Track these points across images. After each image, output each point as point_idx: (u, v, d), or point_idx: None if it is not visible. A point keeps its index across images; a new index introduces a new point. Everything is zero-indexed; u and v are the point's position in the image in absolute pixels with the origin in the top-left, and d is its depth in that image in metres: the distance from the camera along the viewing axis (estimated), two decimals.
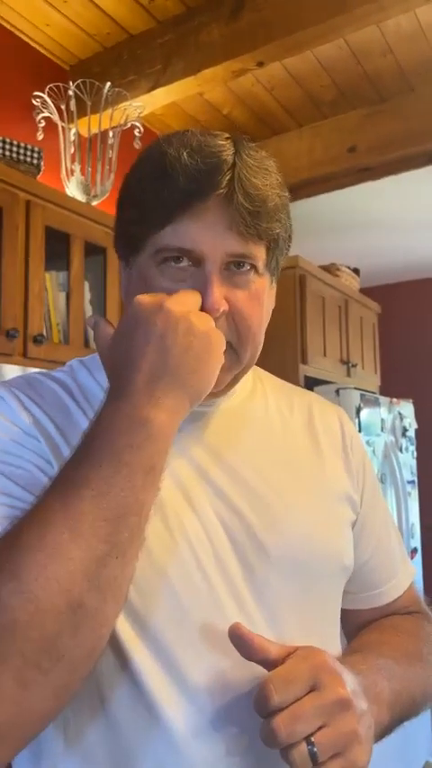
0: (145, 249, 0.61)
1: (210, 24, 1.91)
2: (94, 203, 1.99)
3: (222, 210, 0.58)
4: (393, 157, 2.42)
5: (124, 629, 0.55)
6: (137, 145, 2.05)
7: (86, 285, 1.83)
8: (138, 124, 2.04)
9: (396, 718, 0.61)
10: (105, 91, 1.97)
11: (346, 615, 0.72)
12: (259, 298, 0.63)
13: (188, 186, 0.57)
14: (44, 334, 1.62)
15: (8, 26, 2.02)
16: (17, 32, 2.05)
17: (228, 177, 0.58)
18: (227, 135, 0.61)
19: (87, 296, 1.84)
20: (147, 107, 2.09)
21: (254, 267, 0.62)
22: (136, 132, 2.04)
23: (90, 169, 2.00)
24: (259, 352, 0.66)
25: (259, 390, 0.74)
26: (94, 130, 2.02)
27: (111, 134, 2.05)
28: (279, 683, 0.49)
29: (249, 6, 1.85)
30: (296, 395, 0.78)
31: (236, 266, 0.61)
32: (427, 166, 2.42)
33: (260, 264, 0.62)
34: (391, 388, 3.47)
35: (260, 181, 0.59)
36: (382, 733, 0.58)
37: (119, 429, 0.51)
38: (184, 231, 0.58)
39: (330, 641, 0.65)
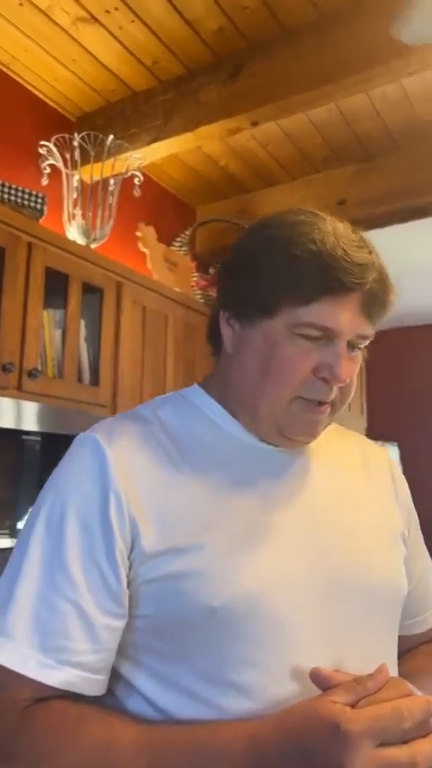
0: (279, 316, 0.68)
1: (208, 86, 2.04)
2: (94, 246, 2.08)
3: (363, 300, 0.68)
4: (380, 211, 2.54)
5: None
6: (136, 193, 2.16)
7: (82, 323, 1.90)
8: (138, 173, 2.16)
9: None
10: (108, 143, 2.09)
11: None
12: (358, 365, 0.73)
13: (345, 278, 0.66)
14: (39, 368, 1.69)
15: (20, 80, 2.15)
16: (27, 86, 2.18)
17: (373, 275, 0.67)
18: (353, 228, 0.70)
19: (83, 333, 1.91)
20: (147, 158, 2.21)
21: (365, 344, 0.72)
22: (136, 181, 2.15)
23: (91, 214, 2.10)
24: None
25: (327, 433, 0.79)
26: (96, 178, 2.13)
27: (112, 182, 2.16)
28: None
29: (246, 71, 1.99)
30: (351, 436, 0.87)
31: (357, 343, 0.71)
32: (411, 220, 2.54)
33: (368, 342, 0.73)
34: (378, 430, 3.54)
35: (388, 279, 0.70)
36: None
37: None
38: (329, 312, 0.67)
39: (394, 663, 0.72)
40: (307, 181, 2.73)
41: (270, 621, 0.62)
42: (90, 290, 1.92)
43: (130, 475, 0.66)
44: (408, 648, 0.80)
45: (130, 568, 0.64)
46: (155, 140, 2.13)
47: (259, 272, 0.70)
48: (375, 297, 0.68)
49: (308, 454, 0.76)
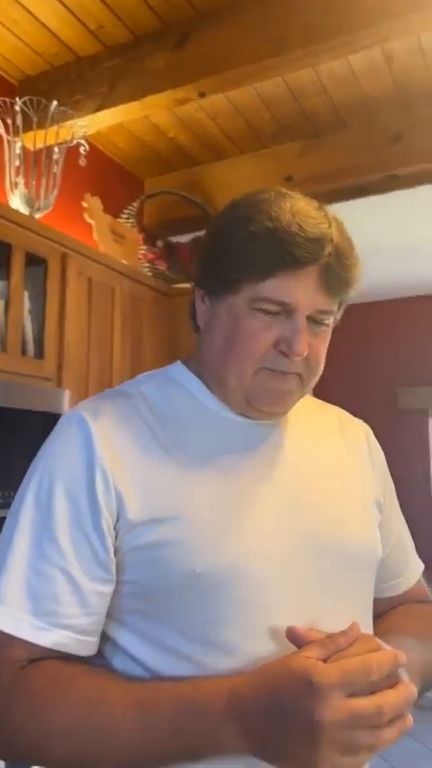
0: (240, 292, 0.71)
1: (155, 53, 2.01)
2: (38, 216, 2.04)
3: (319, 274, 0.69)
4: (326, 189, 2.57)
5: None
6: (82, 162, 2.12)
7: (26, 295, 1.87)
8: (83, 142, 2.11)
9: (423, 686, 0.71)
10: (52, 109, 2.03)
11: None
12: (326, 341, 0.75)
13: (298, 253, 0.67)
14: None
15: None
16: None
17: (329, 249, 0.69)
18: (316, 204, 0.72)
19: (26, 305, 1.88)
20: (92, 126, 2.16)
21: (329, 319, 0.73)
22: (81, 150, 2.10)
23: (34, 182, 2.05)
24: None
25: (304, 406, 0.83)
26: (40, 145, 2.08)
27: (56, 150, 2.11)
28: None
29: (193, 40, 1.96)
30: (328, 409, 0.89)
31: (318, 319, 0.72)
32: (356, 198, 2.58)
33: (332, 317, 0.74)
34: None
35: (349, 252, 0.71)
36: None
37: (202, 730, 0.59)
38: (285, 287, 0.69)
39: (368, 624, 0.76)
40: (255, 155, 2.73)
41: (250, 585, 0.66)
42: (34, 260, 1.89)
43: (114, 449, 0.70)
44: (384, 610, 0.84)
45: (116, 538, 0.68)
46: (100, 108, 2.08)
47: (222, 250, 0.73)
48: (333, 272, 0.69)
49: (284, 426, 0.79)
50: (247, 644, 0.65)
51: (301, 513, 0.72)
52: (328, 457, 0.81)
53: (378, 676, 0.56)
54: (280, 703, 0.56)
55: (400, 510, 0.91)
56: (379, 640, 0.62)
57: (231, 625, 0.65)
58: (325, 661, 0.57)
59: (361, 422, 0.91)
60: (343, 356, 4.11)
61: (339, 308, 0.76)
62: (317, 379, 0.76)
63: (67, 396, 1.88)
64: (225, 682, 0.61)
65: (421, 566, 0.92)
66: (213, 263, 0.74)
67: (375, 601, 0.82)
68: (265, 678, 0.59)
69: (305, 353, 0.70)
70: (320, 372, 0.76)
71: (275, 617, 0.66)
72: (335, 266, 0.69)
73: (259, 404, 0.74)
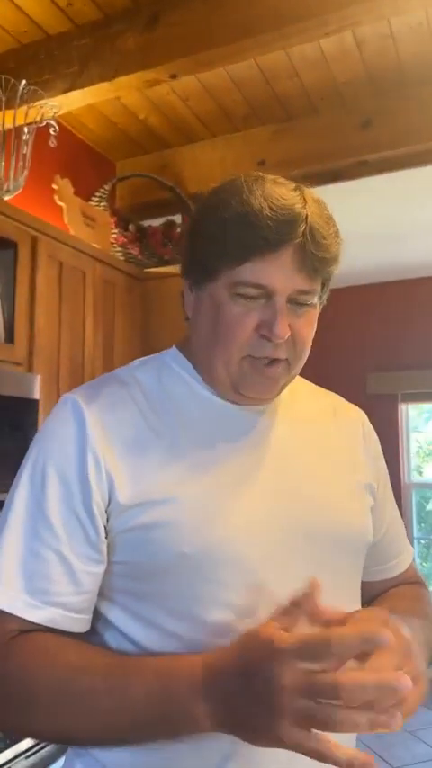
0: (220, 279, 0.72)
1: (125, 33, 1.98)
2: (7, 198, 2.00)
3: (294, 255, 0.69)
4: (299, 173, 2.58)
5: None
6: (52, 143, 2.08)
7: None
8: (53, 123, 2.08)
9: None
10: (21, 88, 1.99)
11: (361, 587, 0.82)
12: (312, 324, 0.75)
13: (270, 235, 0.68)
14: None
15: None
16: None
17: (302, 229, 0.68)
18: (293, 185, 0.72)
19: None
20: (63, 107, 2.13)
21: (312, 300, 0.73)
22: (51, 131, 2.07)
23: (3, 164, 2.01)
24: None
25: (297, 391, 0.85)
26: (9, 126, 2.03)
27: (26, 130, 2.07)
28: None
29: (164, 20, 1.94)
30: (323, 394, 0.90)
31: (300, 300, 0.72)
32: (327, 184, 2.60)
33: (316, 298, 0.74)
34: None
35: (326, 231, 0.71)
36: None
37: (173, 711, 0.61)
38: (261, 270, 0.69)
39: (357, 605, 0.77)
40: (227, 139, 2.72)
41: (238, 566, 0.67)
42: (3, 244, 1.86)
43: (106, 433, 0.71)
44: (377, 593, 0.86)
45: (107, 520, 0.69)
46: (71, 88, 2.05)
47: (199, 239, 0.74)
48: (309, 251, 0.69)
49: (276, 410, 0.80)
50: (236, 623, 0.66)
51: (291, 497, 0.73)
52: (319, 441, 0.81)
53: (338, 652, 0.54)
54: (246, 668, 0.58)
55: (393, 496, 0.92)
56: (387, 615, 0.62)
57: (220, 605, 0.67)
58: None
59: (356, 408, 0.91)
60: (314, 341, 4.15)
61: (324, 289, 0.76)
62: (303, 362, 0.77)
63: (38, 381, 1.87)
64: (203, 654, 0.62)
65: (412, 551, 0.94)
66: (193, 252, 0.75)
67: (370, 584, 0.84)
68: (236, 648, 0.60)
69: (287, 336, 0.71)
70: (307, 355, 0.76)
71: (264, 598, 0.67)
72: (311, 246, 0.69)
73: (246, 391, 0.74)
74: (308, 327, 0.74)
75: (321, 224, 0.70)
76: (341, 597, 0.72)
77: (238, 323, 0.71)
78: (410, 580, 0.91)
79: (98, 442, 0.70)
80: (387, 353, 4.37)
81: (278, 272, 0.69)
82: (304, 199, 0.71)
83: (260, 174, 0.73)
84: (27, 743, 1.43)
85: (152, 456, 0.71)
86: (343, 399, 0.92)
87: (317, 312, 0.77)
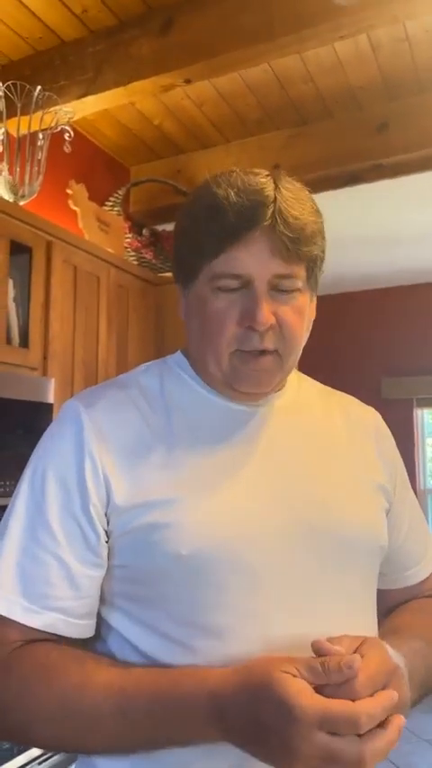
0: (200, 275, 0.72)
1: (140, 39, 1.99)
2: (22, 203, 2.01)
3: (267, 239, 0.68)
4: (314, 177, 2.57)
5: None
6: (67, 149, 2.10)
7: (11, 283, 1.85)
8: (68, 128, 2.09)
9: (423, 694, 0.69)
10: (36, 94, 2.00)
11: (378, 595, 0.78)
12: (301, 311, 0.73)
13: (237, 221, 0.67)
14: None
15: None
16: None
17: (270, 210, 0.67)
18: (267, 172, 0.71)
19: (11, 293, 1.86)
20: (77, 113, 2.14)
21: (296, 285, 0.71)
22: (66, 136, 2.08)
23: (18, 169, 2.02)
24: (299, 357, 0.76)
25: (304, 390, 0.84)
26: (24, 131, 2.05)
27: (41, 136, 2.08)
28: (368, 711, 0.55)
29: (178, 25, 1.94)
30: (334, 395, 0.88)
31: (281, 286, 0.70)
32: (343, 187, 2.59)
33: (301, 282, 0.71)
34: None
35: (298, 211, 0.69)
36: (412, 705, 0.65)
37: (185, 722, 0.60)
38: (235, 259, 0.68)
39: (370, 614, 0.74)
40: (242, 143, 2.72)
41: (237, 568, 0.66)
42: (19, 249, 1.87)
43: (104, 436, 0.71)
44: (400, 601, 0.82)
45: (107, 523, 0.69)
46: (85, 94, 2.06)
47: (179, 238, 0.75)
48: (280, 233, 0.67)
49: (278, 409, 0.78)
50: (237, 628, 0.65)
51: (295, 498, 0.72)
52: (327, 440, 0.79)
53: (367, 725, 0.53)
54: (257, 718, 0.56)
55: (415, 501, 0.89)
56: (386, 647, 0.61)
57: (219, 609, 0.65)
58: (317, 688, 0.55)
59: (371, 409, 0.89)
60: (328, 346, 4.13)
61: (312, 273, 0.74)
62: (296, 353, 0.74)
63: (52, 385, 1.87)
64: (208, 680, 0.60)
65: None
66: (177, 254, 0.76)
67: (389, 592, 0.82)
68: (248, 686, 0.58)
69: (270, 322, 0.69)
70: (299, 345, 0.74)
71: (265, 601, 0.66)
72: (281, 227, 0.67)
73: (239, 385, 0.73)
74: (295, 315, 0.71)
75: (293, 204, 0.69)
76: (348, 602, 0.70)
77: (222, 317, 0.70)
78: None
79: (95, 444, 0.70)
80: (402, 358, 4.34)
81: (252, 259, 0.68)
82: (275, 183, 0.69)
83: (234, 168, 0.72)
84: (39, 750, 1.42)
85: (151, 458, 0.71)
86: (356, 400, 0.90)
87: (306, 299, 0.74)
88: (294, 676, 0.56)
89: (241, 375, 0.72)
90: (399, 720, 0.56)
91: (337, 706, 0.54)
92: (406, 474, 0.88)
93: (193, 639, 0.65)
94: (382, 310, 4.42)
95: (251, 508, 0.69)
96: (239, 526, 0.68)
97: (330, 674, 0.55)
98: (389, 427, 0.89)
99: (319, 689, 0.56)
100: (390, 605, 0.81)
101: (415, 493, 0.92)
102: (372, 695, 0.56)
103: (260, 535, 0.68)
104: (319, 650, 0.58)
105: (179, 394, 0.77)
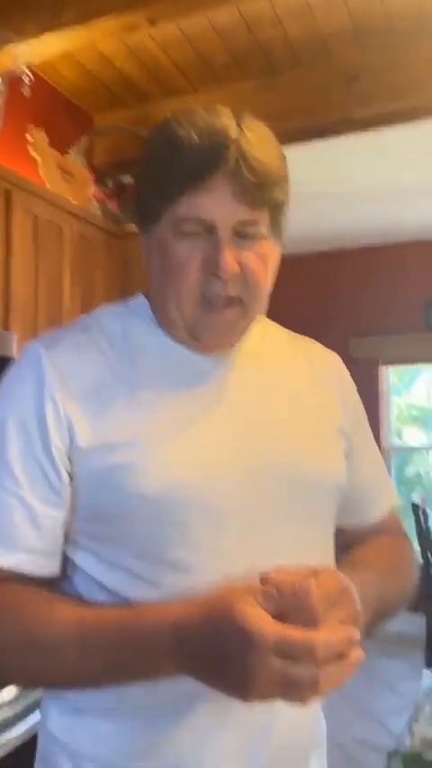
0: (161, 220, 0.69)
1: None
2: None
3: (230, 182, 0.66)
4: (282, 128, 2.50)
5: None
6: (26, 92, 2.00)
7: None
8: (26, 71, 1.99)
9: (376, 620, 0.71)
10: None
11: (336, 534, 0.81)
12: (265, 258, 0.71)
13: (198, 163, 0.65)
14: None
15: None
16: None
17: (233, 153, 0.65)
18: (230, 113, 0.68)
19: None
20: (36, 55, 2.04)
21: (260, 231, 0.69)
22: (25, 79, 1.99)
23: None
24: (264, 306, 0.75)
25: (268, 336, 0.83)
26: None
27: None
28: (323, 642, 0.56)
29: None
30: (298, 339, 0.88)
31: (245, 232, 0.68)
32: (311, 140, 2.54)
33: (265, 228, 0.70)
34: None
35: (262, 154, 0.66)
36: (365, 632, 0.67)
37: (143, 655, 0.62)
38: (197, 203, 0.66)
39: (328, 552, 0.76)
40: (209, 92, 2.64)
41: (201, 509, 0.67)
42: None
43: (66, 378, 0.70)
44: (355, 540, 0.84)
45: (70, 464, 0.69)
46: (44, 31, 1.95)
47: (140, 180, 0.73)
48: (243, 177, 0.66)
49: (240, 354, 0.77)
50: (201, 564, 0.66)
51: (258, 440, 0.73)
52: (288, 385, 0.80)
53: (323, 656, 0.54)
54: (218, 648, 0.57)
55: (374, 444, 0.91)
56: (341, 576, 0.63)
57: (183, 547, 0.66)
58: (275, 615, 0.57)
59: (334, 354, 0.90)
60: (298, 306, 4.13)
61: (276, 219, 0.72)
62: (261, 301, 0.73)
63: (14, 339, 1.83)
64: (170, 613, 0.61)
65: (395, 501, 0.92)
66: (138, 197, 0.74)
67: (349, 532, 0.83)
68: (209, 616, 0.59)
69: (234, 270, 0.68)
70: (264, 293, 0.73)
71: (228, 541, 0.67)
72: (245, 170, 0.65)
73: (202, 336, 0.73)
74: (259, 262, 0.70)
75: (257, 147, 0.66)
76: (308, 541, 0.72)
77: (184, 262, 0.69)
78: (391, 530, 0.90)
79: (56, 386, 0.70)
80: (369, 318, 4.37)
81: (215, 203, 0.66)
82: (239, 125, 0.67)
83: (196, 107, 0.69)
84: (11, 692, 1.44)
85: (113, 400, 0.70)
86: (320, 345, 0.90)
87: (270, 246, 0.72)
88: (252, 608, 0.57)
89: (204, 324, 0.71)
90: (357, 653, 0.57)
91: (295, 633, 0.55)
92: (366, 421, 0.90)
93: (158, 575, 0.67)
94: (351, 270, 4.43)
95: (214, 452, 0.70)
96: (203, 468, 0.69)
97: (285, 597, 0.57)
98: (357, 386, 0.89)
99: (279, 617, 0.57)
100: (347, 542, 0.83)
101: (380, 450, 0.95)
102: (329, 617, 0.58)
103: (223, 477, 0.69)
104: (266, 581, 0.60)
105: (142, 339, 0.76)
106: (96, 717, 0.69)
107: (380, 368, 4.38)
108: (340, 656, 0.56)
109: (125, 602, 0.66)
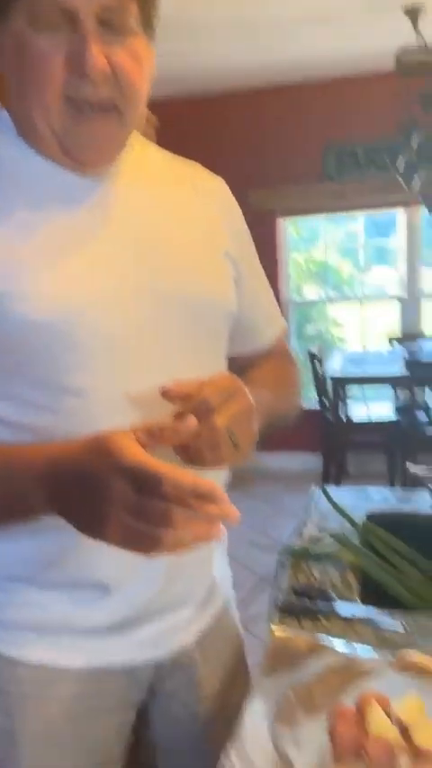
0: (16, 12, 0.62)
1: None
2: None
3: None
4: None
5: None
6: None
7: None
8: None
9: (270, 423, 0.76)
10: None
11: (229, 361, 0.83)
12: (139, 57, 0.66)
13: None
14: None
15: None
16: None
17: None
18: None
19: None
20: None
21: (128, 23, 0.64)
22: None
23: None
24: (141, 116, 0.70)
25: (149, 155, 0.80)
26: None
27: None
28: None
29: None
30: (180, 161, 0.84)
31: (112, 21, 0.62)
32: None
33: (134, 21, 0.64)
34: None
35: None
36: (262, 432, 0.73)
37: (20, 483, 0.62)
38: None
39: (221, 370, 0.78)
40: None
41: (91, 331, 0.67)
42: None
43: None
44: (246, 365, 0.86)
45: None
46: None
47: None
48: None
49: (120, 175, 0.73)
50: (97, 387, 0.67)
51: (146, 263, 0.71)
52: (173, 208, 0.78)
53: (169, 491, 0.53)
54: (83, 470, 0.58)
55: (262, 271, 0.91)
56: (234, 376, 0.68)
57: (78, 371, 0.67)
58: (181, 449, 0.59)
59: (219, 178, 0.87)
60: (196, 156, 3.89)
61: (147, 12, 0.66)
62: (137, 107, 0.68)
63: None
64: (49, 449, 0.62)
65: (284, 326, 0.96)
66: None
67: (240, 357, 0.86)
68: (85, 446, 0.59)
69: (104, 67, 0.62)
70: (140, 98, 0.68)
71: (122, 362, 0.69)
72: None
73: (75, 150, 0.67)
74: (132, 61, 0.65)
75: None
76: (201, 364, 0.73)
77: (45, 59, 0.62)
78: (279, 353, 0.94)
79: None
80: (268, 168, 4.23)
81: None
82: None
83: None
84: None
85: None
86: (204, 168, 0.87)
87: (143, 44, 0.67)
88: (123, 435, 0.57)
89: (75, 137, 0.66)
90: (224, 504, 0.56)
91: (150, 463, 0.54)
92: (254, 248, 0.90)
93: (56, 401, 0.67)
94: (252, 116, 4.19)
95: (103, 273, 0.69)
96: (93, 290, 0.68)
97: (165, 431, 0.59)
98: (256, 238, 0.89)
99: (182, 451, 0.62)
100: (241, 367, 0.85)
101: (279, 303, 0.97)
102: (224, 409, 0.63)
103: (115, 298, 0.68)
104: (166, 393, 0.64)
105: (7, 156, 0.69)
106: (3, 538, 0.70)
107: (277, 218, 4.33)
108: (207, 516, 0.55)
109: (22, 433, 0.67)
